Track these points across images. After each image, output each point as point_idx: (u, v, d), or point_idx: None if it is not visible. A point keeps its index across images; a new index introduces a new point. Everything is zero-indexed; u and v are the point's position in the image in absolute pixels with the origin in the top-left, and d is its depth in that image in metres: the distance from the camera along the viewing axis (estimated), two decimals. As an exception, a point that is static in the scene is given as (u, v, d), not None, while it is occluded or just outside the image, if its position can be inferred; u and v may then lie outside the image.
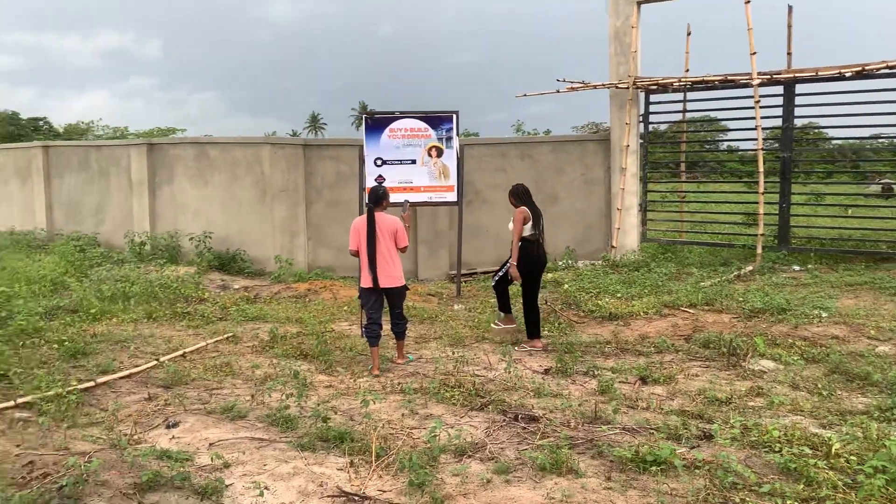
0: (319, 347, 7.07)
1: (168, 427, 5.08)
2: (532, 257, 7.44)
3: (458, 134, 10.41)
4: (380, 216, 6.62)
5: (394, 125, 10.33)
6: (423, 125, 10.33)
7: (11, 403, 5.39)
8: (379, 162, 10.38)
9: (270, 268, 11.99)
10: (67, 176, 14.85)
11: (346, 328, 8.37)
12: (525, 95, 13.63)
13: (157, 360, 6.64)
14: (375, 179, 10.22)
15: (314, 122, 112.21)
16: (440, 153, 10.36)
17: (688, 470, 4.05)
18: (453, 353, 7.05)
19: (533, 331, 7.46)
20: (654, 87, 12.48)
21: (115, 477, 4.12)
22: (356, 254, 6.71)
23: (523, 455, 4.45)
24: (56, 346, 7.05)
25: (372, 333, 6.61)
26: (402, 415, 5.31)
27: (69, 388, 5.59)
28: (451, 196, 10.45)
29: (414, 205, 10.14)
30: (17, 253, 12.52)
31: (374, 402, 5.20)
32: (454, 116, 10.33)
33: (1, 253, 12.46)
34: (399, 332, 6.83)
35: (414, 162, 10.39)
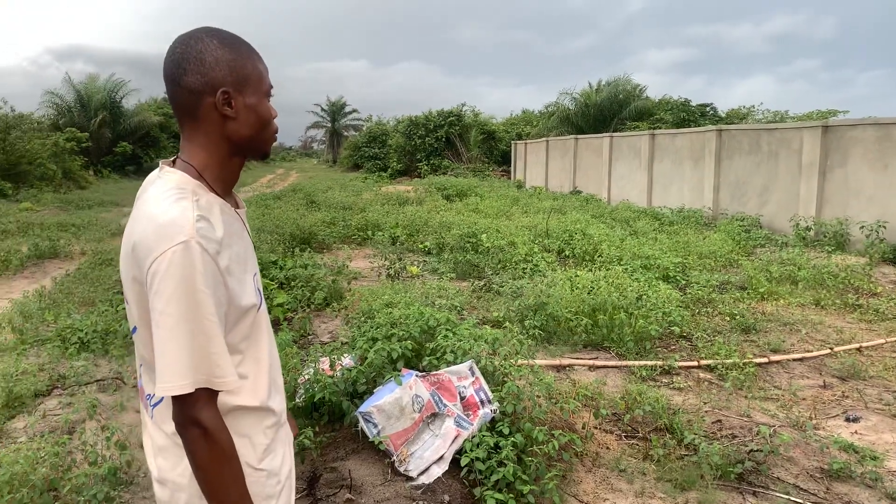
0: None
1: (848, 420, 4.85)
2: None
3: None
4: None
5: None
6: None
7: (695, 364, 5.95)
8: None
9: (959, 267, 10.27)
10: (737, 158, 15.50)
11: None
12: None
13: (830, 348, 6.41)
14: None
15: None
16: None
17: None
18: None
19: None
20: None
21: (800, 456, 4.14)
22: None
23: None
24: (728, 317, 7.47)
25: None
26: None
27: (746, 360, 5.86)
28: None
29: None
30: (687, 228, 13.73)
31: None
32: None
33: (674, 227, 13.85)
34: None
35: None
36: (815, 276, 9.11)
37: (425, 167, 37.49)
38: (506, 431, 3.73)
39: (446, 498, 3.51)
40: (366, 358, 4.38)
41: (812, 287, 8.84)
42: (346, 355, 4.60)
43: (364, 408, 3.86)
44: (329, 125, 75.21)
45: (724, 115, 32.57)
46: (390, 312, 5.36)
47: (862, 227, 11.42)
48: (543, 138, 29.76)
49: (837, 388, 5.51)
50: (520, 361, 4.67)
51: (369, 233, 13.16)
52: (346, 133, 72.37)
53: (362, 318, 6.25)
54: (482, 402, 4.15)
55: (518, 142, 33.66)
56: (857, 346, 6.54)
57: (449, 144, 39.22)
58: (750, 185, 15.02)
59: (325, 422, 4.15)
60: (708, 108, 32.40)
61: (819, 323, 7.48)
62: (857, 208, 12.00)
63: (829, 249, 11.16)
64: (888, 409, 5.05)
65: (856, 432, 4.64)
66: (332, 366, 4.39)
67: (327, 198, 19.62)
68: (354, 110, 74.29)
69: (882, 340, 6.76)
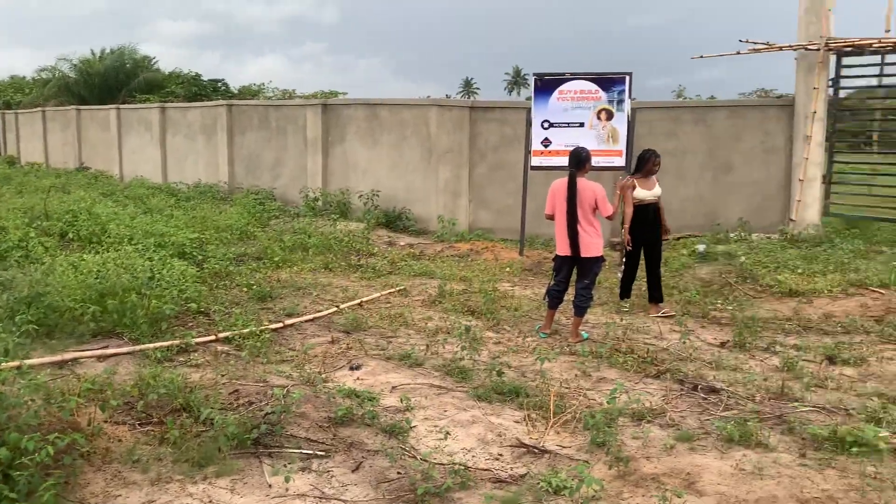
0: (487, 305, 7.18)
1: (352, 369, 5.38)
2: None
3: (630, 97, 10.06)
4: (582, 182, 6.35)
5: (564, 87, 10.14)
6: (593, 87, 10.06)
7: (213, 338, 5.92)
8: (546, 125, 10.26)
9: (433, 227, 12.29)
10: (249, 133, 15.89)
11: (509, 288, 8.44)
12: (701, 57, 12.84)
13: (337, 307, 7.04)
14: (542, 142, 10.17)
15: (467, 87, 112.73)
16: (610, 116, 10.07)
17: (894, 455, 3.77)
18: (621, 319, 6.93)
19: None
20: (849, 48, 11.39)
21: (311, 410, 4.42)
22: (551, 217, 6.55)
23: (707, 425, 4.33)
24: (246, 288, 7.64)
25: (554, 297, 6.53)
26: (576, 375, 5.32)
27: (262, 328, 6.05)
28: (619, 161, 10.13)
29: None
30: (204, 203, 13.61)
31: (549, 361, 5.23)
32: (627, 78, 9.97)
33: (191, 203, 13.59)
34: (580, 308, 6.42)
35: (582, 125, 10.16)
36: (324, 243, 9.91)
37: None
38: (-14, 448, 3.15)
39: None
40: None
41: (321, 252, 9.60)
42: None
43: None
44: None
45: (236, 91, 33.06)
46: None
47: (360, 196, 12.82)
48: (39, 108, 26.24)
49: (344, 341, 6.08)
50: (8, 364, 4.00)
51: None
52: None
53: None
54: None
55: (7, 112, 29.05)
56: (359, 301, 7.32)
57: None
58: (263, 159, 15.58)
59: None
60: (220, 84, 32.50)
61: (328, 284, 8.16)
62: (356, 180, 13.43)
63: (335, 217, 12.28)
64: (383, 353, 5.76)
65: (358, 378, 5.17)
66: None
67: None
68: None
69: (378, 294, 7.69)
